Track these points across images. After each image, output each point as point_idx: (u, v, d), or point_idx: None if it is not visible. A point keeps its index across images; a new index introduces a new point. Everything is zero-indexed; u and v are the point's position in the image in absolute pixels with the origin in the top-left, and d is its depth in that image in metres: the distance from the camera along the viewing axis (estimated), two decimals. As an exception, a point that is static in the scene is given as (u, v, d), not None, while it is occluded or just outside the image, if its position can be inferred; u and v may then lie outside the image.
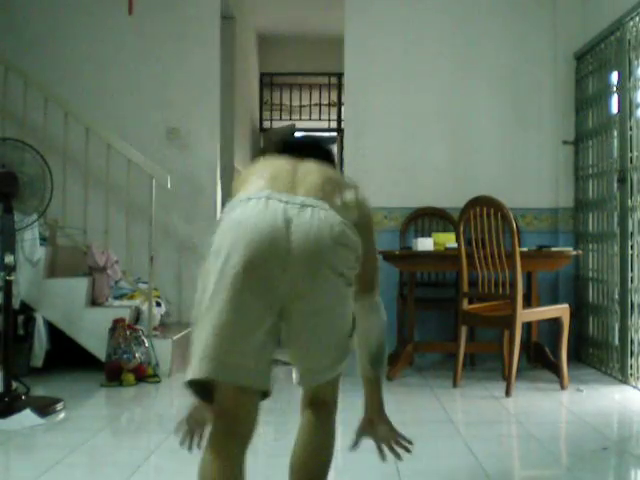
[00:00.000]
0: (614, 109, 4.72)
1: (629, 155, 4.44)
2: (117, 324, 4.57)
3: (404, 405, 4.08)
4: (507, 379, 4.17)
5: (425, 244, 4.68)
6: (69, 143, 5.06)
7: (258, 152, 8.46)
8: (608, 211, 4.81)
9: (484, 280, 4.25)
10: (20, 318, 4.59)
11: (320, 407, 1.99)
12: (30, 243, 4.57)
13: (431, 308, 5.32)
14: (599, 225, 5.00)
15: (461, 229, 4.36)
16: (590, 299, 5.12)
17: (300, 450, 2.01)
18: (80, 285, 4.80)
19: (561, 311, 4.36)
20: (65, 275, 4.92)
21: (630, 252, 4.42)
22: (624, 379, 4.43)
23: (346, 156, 5.73)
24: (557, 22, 5.48)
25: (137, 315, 4.87)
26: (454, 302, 4.88)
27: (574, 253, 4.69)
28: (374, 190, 5.52)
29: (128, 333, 4.53)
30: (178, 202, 5.58)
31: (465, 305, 4.36)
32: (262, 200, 1.73)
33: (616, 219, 4.64)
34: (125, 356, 4.46)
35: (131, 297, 5.10)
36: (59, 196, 4.62)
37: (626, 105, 4.48)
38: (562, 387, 4.29)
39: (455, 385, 4.36)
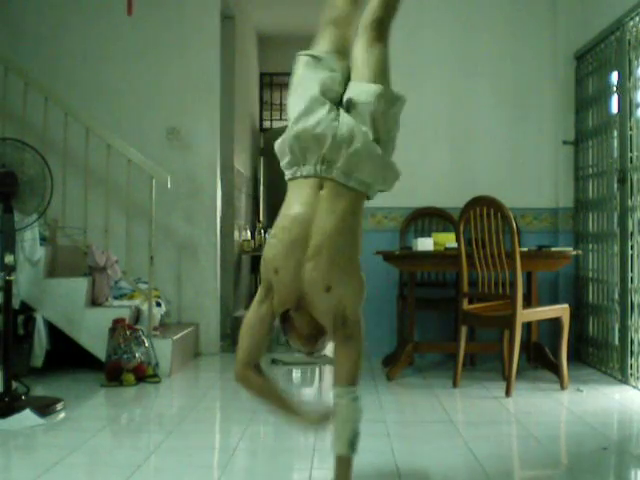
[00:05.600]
0: (614, 109, 4.72)
1: (629, 155, 4.44)
2: (117, 324, 4.57)
3: (404, 405, 4.09)
4: (507, 379, 4.17)
5: (425, 244, 4.68)
6: (69, 143, 5.06)
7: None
8: (608, 211, 4.81)
9: (484, 280, 4.25)
10: (20, 318, 4.60)
11: None
12: (30, 243, 4.57)
13: (431, 308, 5.32)
14: (599, 225, 5.00)
15: (461, 229, 4.36)
16: (590, 299, 5.12)
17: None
18: (80, 285, 4.80)
19: (561, 311, 4.36)
20: (65, 275, 4.92)
21: (630, 252, 4.42)
22: (624, 379, 4.43)
23: (346, 156, 5.72)
24: (557, 22, 5.48)
25: (137, 315, 4.87)
26: (454, 302, 4.89)
27: (574, 253, 4.69)
28: (374, 190, 5.52)
29: (128, 333, 4.54)
30: (178, 202, 5.58)
31: (465, 305, 4.36)
32: None
33: (616, 219, 4.64)
34: (125, 356, 4.46)
35: (131, 297, 5.10)
36: (59, 196, 4.63)
37: (626, 105, 4.48)
38: (562, 387, 4.30)
39: (455, 385, 4.36)
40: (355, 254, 2.28)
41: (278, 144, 2.40)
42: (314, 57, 2.41)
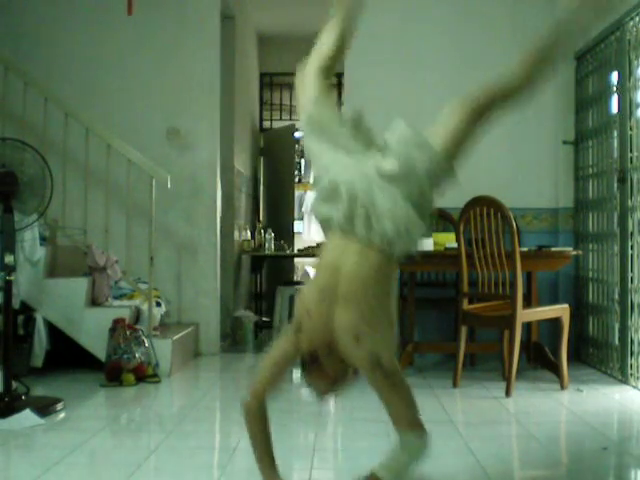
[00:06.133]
0: (614, 109, 4.72)
1: (629, 155, 4.45)
2: (117, 324, 4.57)
3: (404, 405, 4.07)
4: (507, 379, 4.17)
5: (425, 244, 4.67)
6: (69, 143, 5.06)
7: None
8: (608, 211, 4.81)
9: (484, 280, 4.25)
10: (20, 318, 4.59)
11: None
12: (30, 243, 4.57)
13: (431, 308, 5.32)
14: (599, 225, 5.00)
15: (461, 229, 4.36)
16: (590, 299, 5.12)
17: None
18: (80, 285, 4.80)
19: (561, 311, 4.36)
20: (65, 275, 4.92)
21: (630, 252, 4.42)
22: (624, 379, 4.43)
23: (346, 156, 5.73)
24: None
25: (137, 315, 4.86)
26: (454, 302, 4.88)
27: (574, 253, 4.69)
28: (374, 190, 5.52)
29: (128, 333, 4.54)
30: (178, 202, 5.58)
31: (465, 305, 4.36)
32: None
33: (616, 219, 4.64)
34: (125, 356, 4.46)
35: (131, 297, 5.10)
36: (59, 196, 4.62)
37: (626, 105, 4.48)
38: (562, 387, 4.30)
39: (455, 385, 4.36)
40: (385, 307, 2.22)
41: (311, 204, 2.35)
42: (313, 123, 2.32)
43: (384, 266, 2.21)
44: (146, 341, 4.58)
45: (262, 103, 8.87)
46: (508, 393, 4.12)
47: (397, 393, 2.24)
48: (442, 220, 5.43)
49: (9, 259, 3.67)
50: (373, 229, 2.18)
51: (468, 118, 2.23)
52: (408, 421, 2.25)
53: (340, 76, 7.71)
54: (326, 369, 2.27)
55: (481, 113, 2.23)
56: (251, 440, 2.38)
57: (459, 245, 4.37)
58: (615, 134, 4.68)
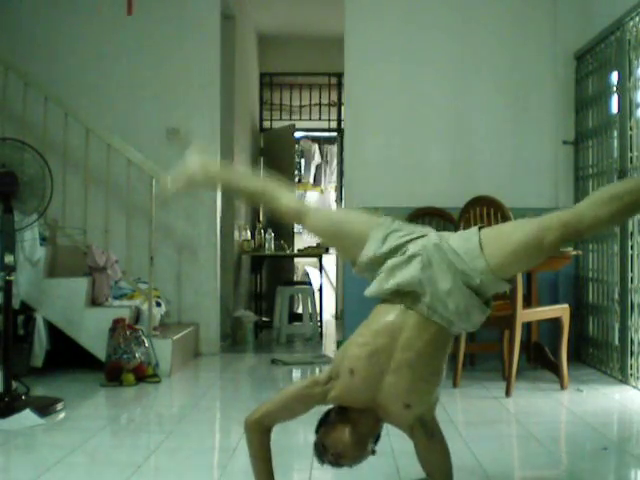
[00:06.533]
0: (614, 109, 4.72)
1: (629, 155, 4.44)
2: (117, 324, 4.57)
3: (404, 405, 4.08)
4: (507, 379, 4.17)
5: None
6: (69, 143, 5.06)
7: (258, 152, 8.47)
8: (608, 211, 4.80)
9: (484, 280, 4.24)
10: (20, 318, 4.60)
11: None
12: (30, 243, 4.57)
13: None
14: (599, 225, 4.99)
15: (461, 229, 4.36)
16: (590, 299, 5.12)
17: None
18: (80, 285, 4.80)
19: (561, 311, 4.36)
20: (65, 275, 4.92)
21: (630, 252, 4.42)
22: (624, 379, 4.43)
23: (346, 156, 5.74)
24: (557, 22, 5.48)
25: (137, 315, 4.87)
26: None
27: (574, 253, 4.68)
28: (374, 190, 5.52)
29: (128, 333, 4.54)
30: (178, 202, 5.58)
31: (465, 305, 4.35)
32: None
33: (616, 219, 4.63)
34: (125, 356, 4.46)
35: (131, 297, 5.10)
36: (59, 196, 4.63)
37: (626, 105, 4.48)
38: (562, 387, 4.29)
39: (455, 385, 4.36)
40: (437, 372, 2.21)
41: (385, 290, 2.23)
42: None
43: (441, 338, 2.19)
44: (146, 341, 4.58)
45: (262, 103, 8.87)
46: (508, 393, 4.12)
47: (437, 444, 2.28)
48: (442, 220, 5.43)
49: (9, 259, 3.67)
50: (433, 306, 2.15)
51: (540, 244, 2.10)
52: (447, 475, 2.29)
53: (340, 76, 7.73)
54: (354, 422, 2.21)
55: (555, 246, 2.11)
56: (250, 452, 2.36)
57: (459, 245, 4.36)
58: (615, 134, 4.67)
